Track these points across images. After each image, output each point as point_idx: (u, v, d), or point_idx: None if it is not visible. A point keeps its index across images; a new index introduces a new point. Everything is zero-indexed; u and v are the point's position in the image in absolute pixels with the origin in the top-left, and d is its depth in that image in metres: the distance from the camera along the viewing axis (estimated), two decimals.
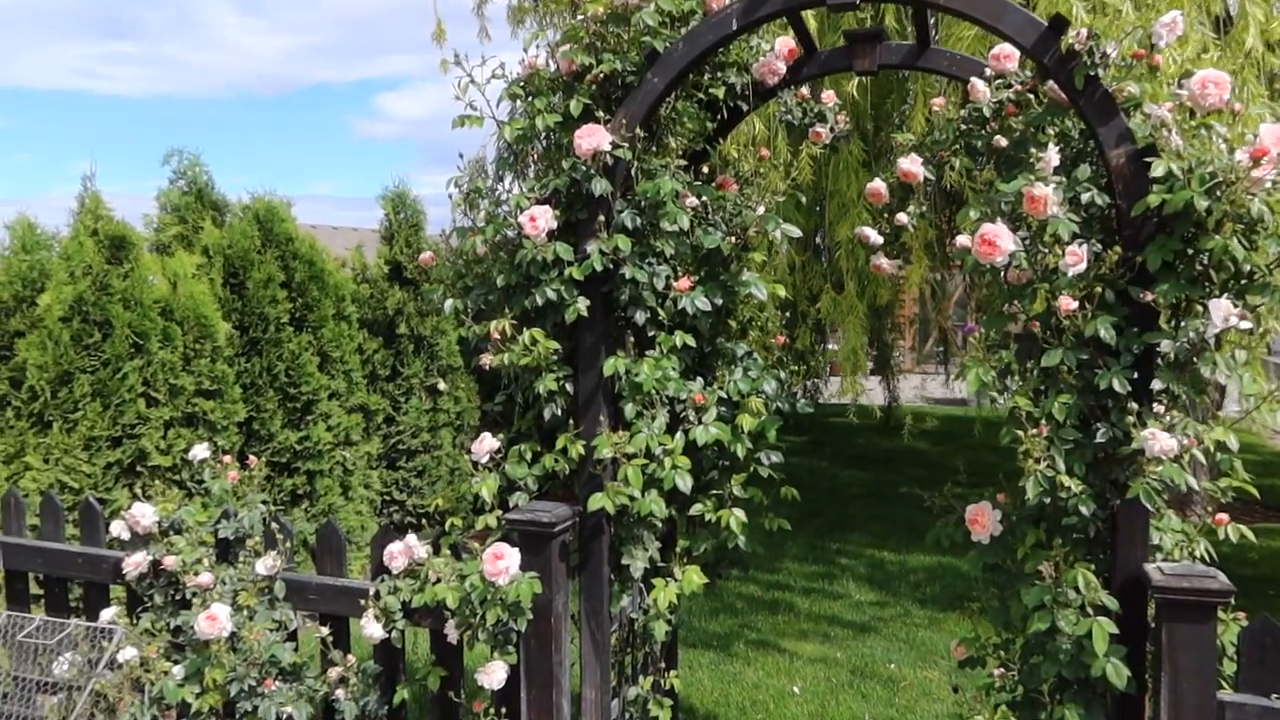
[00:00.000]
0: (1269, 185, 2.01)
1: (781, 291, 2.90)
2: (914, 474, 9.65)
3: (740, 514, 2.76)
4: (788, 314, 6.37)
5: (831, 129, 3.02)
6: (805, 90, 2.95)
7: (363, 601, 2.77)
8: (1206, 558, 2.33)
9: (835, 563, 6.70)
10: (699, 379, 2.81)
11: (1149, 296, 2.08)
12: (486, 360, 2.68)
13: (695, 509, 2.79)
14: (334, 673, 2.81)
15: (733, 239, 2.83)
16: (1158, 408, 2.16)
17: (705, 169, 3.02)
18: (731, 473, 2.86)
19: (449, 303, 2.80)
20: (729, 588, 6.06)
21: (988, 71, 2.66)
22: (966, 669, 2.62)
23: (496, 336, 2.64)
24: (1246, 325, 2.03)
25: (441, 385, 7.04)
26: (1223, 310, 1.98)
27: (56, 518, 3.46)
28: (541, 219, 2.50)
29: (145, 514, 2.99)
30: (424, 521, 6.90)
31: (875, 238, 2.84)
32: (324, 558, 3.03)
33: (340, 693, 2.78)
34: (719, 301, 2.77)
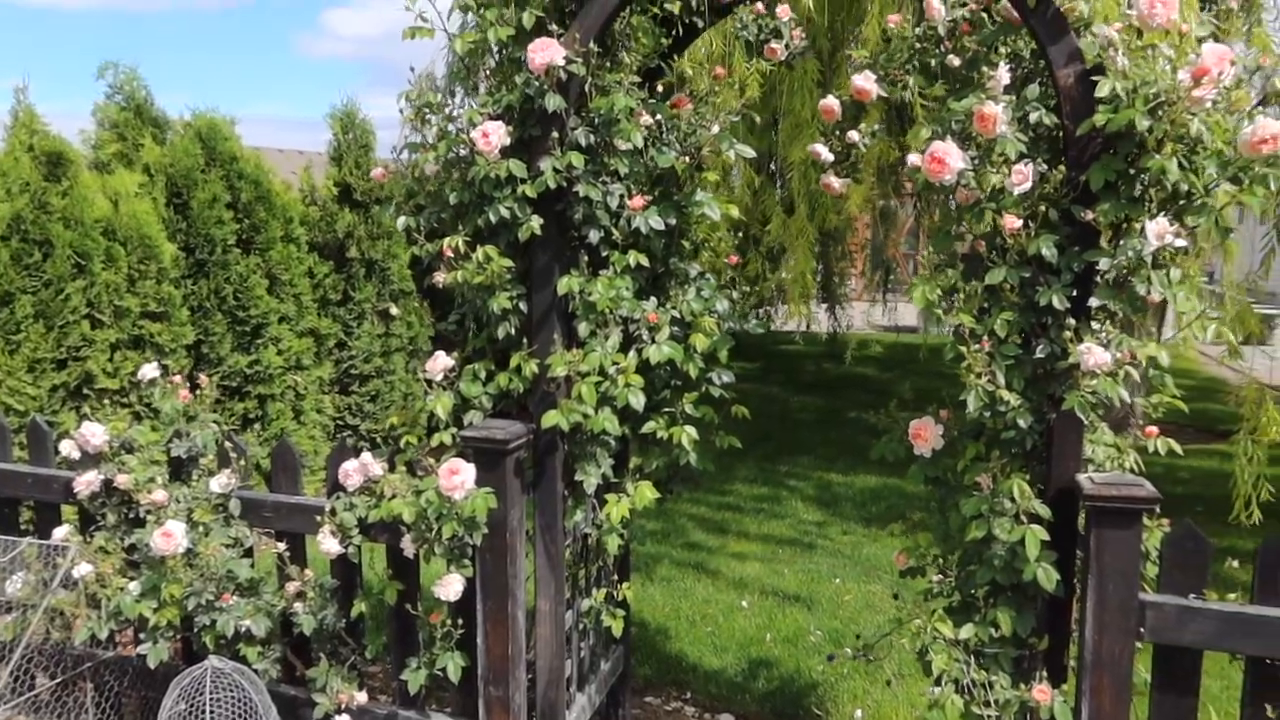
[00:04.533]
0: (1209, 105, 2.06)
1: (735, 212, 2.91)
2: (862, 399, 9.83)
3: (692, 431, 2.81)
4: (740, 235, 6.37)
5: (787, 45, 3.00)
6: (760, 5, 2.93)
7: (318, 518, 2.79)
8: (1135, 469, 2.44)
9: (784, 484, 6.86)
10: (652, 299, 2.83)
11: (1090, 215, 2.13)
12: (439, 278, 2.67)
13: (648, 426, 2.84)
14: (291, 587, 2.84)
15: (686, 158, 2.83)
16: (1096, 325, 2.23)
17: (660, 87, 3.00)
18: (684, 391, 2.91)
19: (401, 220, 2.78)
20: (681, 509, 6.19)
21: None
22: (908, 578, 2.72)
23: (449, 254, 2.63)
24: (1181, 244, 2.09)
25: (394, 310, 6.99)
26: (1158, 229, 2.04)
27: (3, 438, 3.42)
28: (494, 135, 2.48)
29: (95, 433, 2.97)
30: (381, 443, 6.91)
31: (826, 155, 2.84)
32: (279, 475, 3.04)
33: (298, 606, 2.82)
34: (672, 221, 2.78)
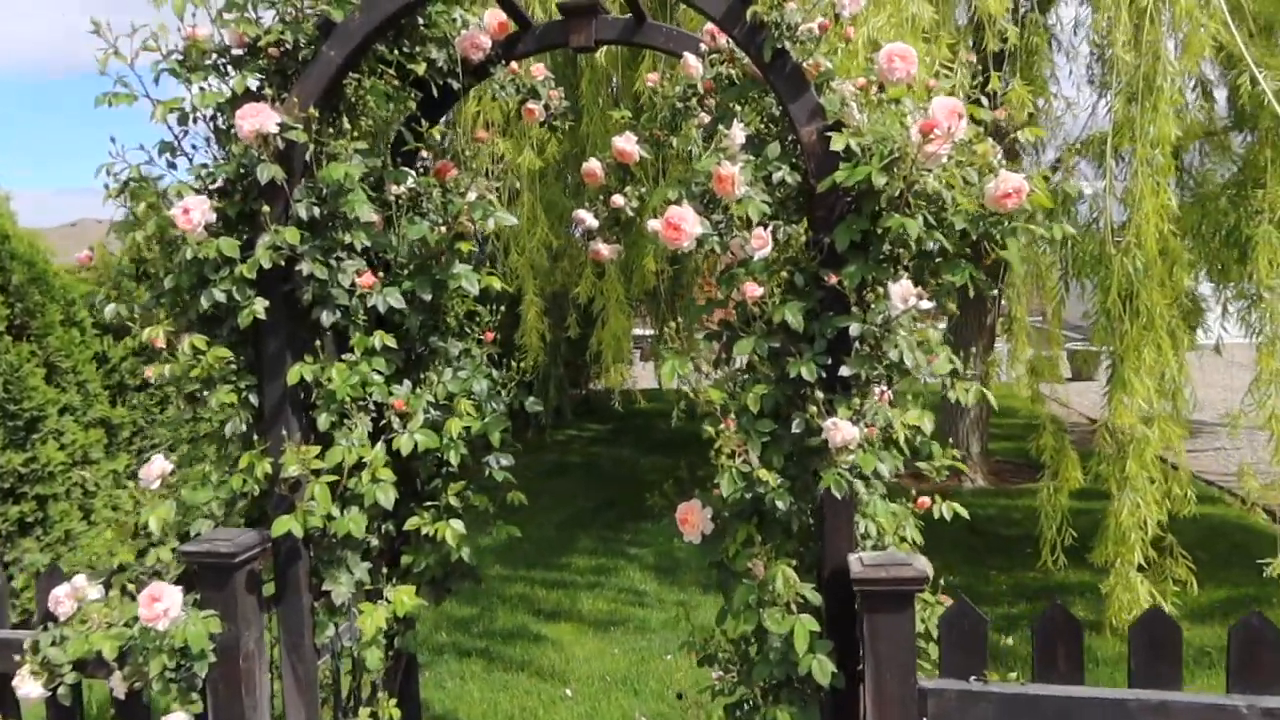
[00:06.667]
0: (945, 161, 1.97)
1: (498, 284, 2.70)
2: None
3: (458, 525, 2.55)
4: (550, 302, 6.19)
5: (546, 106, 2.84)
6: (515, 65, 2.76)
7: (18, 657, 2.39)
8: (910, 541, 2.31)
9: (625, 553, 6.62)
10: (407, 382, 2.58)
11: (834, 279, 2.01)
12: (149, 373, 2.36)
13: (412, 522, 2.57)
14: None
15: (444, 228, 2.60)
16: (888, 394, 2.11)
17: (428, 153, 2.79)
18: (456, 479, 2.65)
19: (110, 307, 2.46)
20: (509, 591, 5.87)
21: (702, 46, 2.55)
22: (703, 667, 2.53)
23: (160, 345, 2.32)
24: (926, 306, 1.99)
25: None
26: (902, 291, 1.93)
27: None
28: (196, 211, 2.20)
29: None
30: None
31: (591, 221, 2.68)
32: None
33: None
34: (428, 297, 2.55)
